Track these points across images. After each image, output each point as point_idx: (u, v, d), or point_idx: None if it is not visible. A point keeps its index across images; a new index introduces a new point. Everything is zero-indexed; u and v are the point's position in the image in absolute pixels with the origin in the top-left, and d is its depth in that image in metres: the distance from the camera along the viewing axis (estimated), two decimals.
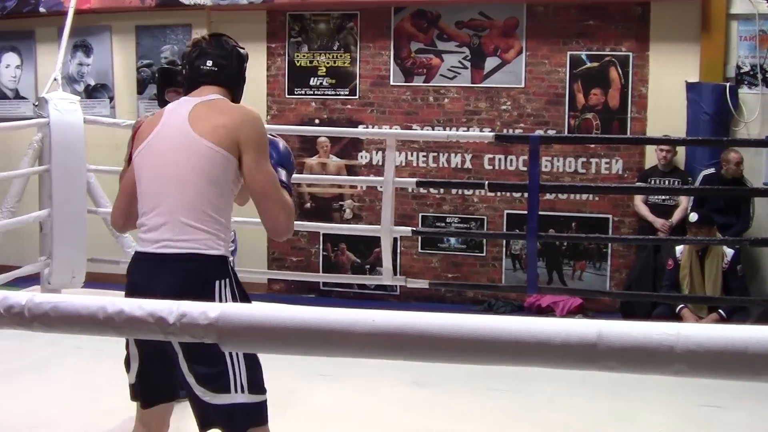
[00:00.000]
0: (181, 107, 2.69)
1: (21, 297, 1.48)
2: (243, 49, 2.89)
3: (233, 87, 2.83)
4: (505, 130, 7.44)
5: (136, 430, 2.77)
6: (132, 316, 1.43)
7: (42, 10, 8.03)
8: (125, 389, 2.71)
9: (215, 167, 2.56)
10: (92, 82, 8.22)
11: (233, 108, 2.69)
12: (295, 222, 8.86)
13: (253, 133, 2.61)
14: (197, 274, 2.53)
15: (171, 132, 2.63)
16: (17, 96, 8.59)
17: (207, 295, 2.49)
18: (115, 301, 1.45)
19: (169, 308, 1.42)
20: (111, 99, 8.17)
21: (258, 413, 2.58)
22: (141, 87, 8.08)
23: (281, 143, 2.92)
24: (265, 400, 2.60)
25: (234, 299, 2.58)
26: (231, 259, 2.75)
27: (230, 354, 2.50)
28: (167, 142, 2.62)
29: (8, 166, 7.00)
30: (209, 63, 2.77)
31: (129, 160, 2.70)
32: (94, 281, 6.38)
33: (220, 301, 2.52)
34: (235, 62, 2.82)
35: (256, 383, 2.57)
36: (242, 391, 2.51)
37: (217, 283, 2.54)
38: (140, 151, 2.68)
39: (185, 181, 2.56)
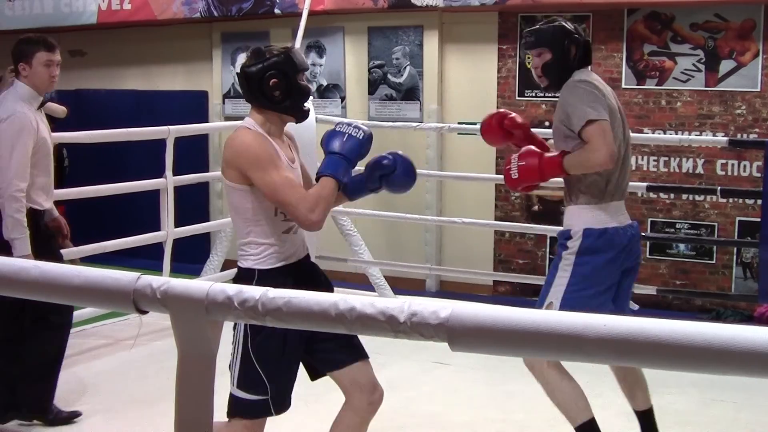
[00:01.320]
0: None
1: (255, 291, 1.52)
2: (263, 59, 2.99)
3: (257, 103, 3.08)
4: (739, 135, 7.25)
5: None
6: (363, 314, 1.44)
7: (277, 11, 8.30)
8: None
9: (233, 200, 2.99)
10: (324, 82, 8.39)
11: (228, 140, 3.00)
12: (524, 224, 8.62)
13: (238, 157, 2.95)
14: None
15: None
16: None
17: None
18: (347, 298, 1.48)
19: (401, 307, 1.42)
20: (342, 99, 8.33)
21: (244, 408, 2.88)
22: (372, 87, 8.21)
23: (353, 132, 3.02)
24: (257, 400, 2.87)
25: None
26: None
27: (233, 350, 2.89)
28: None
29: None
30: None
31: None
32: None
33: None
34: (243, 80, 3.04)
35: (248, 381, 2.86)
36: (234, 384, 2.88)
37: None
38: None
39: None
